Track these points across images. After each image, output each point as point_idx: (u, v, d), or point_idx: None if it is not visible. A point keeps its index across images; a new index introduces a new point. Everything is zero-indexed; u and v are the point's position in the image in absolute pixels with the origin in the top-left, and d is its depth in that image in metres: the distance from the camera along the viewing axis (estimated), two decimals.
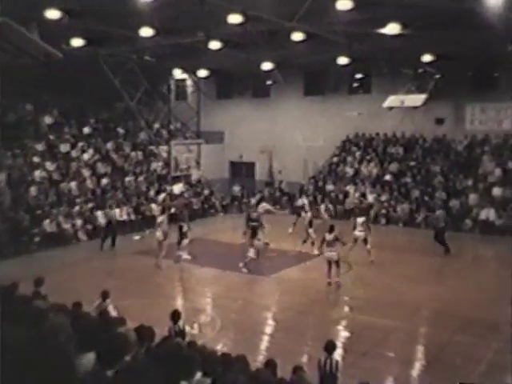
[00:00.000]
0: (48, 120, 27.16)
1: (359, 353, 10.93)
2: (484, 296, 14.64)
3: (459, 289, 15.16)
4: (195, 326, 10.42)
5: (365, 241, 18.03)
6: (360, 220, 18.36)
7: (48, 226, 20.84)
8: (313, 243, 18.95)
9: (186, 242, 18.06)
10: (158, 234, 17.95)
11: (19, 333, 1.20)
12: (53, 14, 17.23)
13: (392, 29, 19.13)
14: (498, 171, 24.49)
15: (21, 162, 23.49)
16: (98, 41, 21.89)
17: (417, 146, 27.91)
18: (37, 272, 11.77)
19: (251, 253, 17.18)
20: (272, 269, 17.44)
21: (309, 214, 20.42)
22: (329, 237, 15.52)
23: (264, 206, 21.48)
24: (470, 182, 24.70)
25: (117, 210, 23.47)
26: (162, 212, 19.15)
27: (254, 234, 17.85)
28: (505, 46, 20.70)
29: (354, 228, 18.26)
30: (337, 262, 15.44)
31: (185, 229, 18.21)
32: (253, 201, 24.41)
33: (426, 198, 24.87)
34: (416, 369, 10.55)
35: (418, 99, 25.42)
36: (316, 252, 18.26)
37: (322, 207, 24.14)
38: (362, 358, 10.69)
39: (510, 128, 25.64)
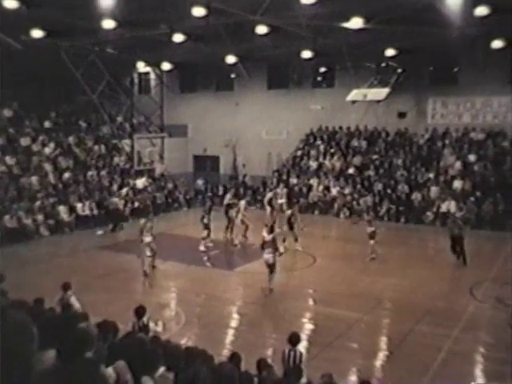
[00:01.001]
0: (7, 113, 26.59)
1: (323, 344, 11.03)
2: (444, 286, 14.95)
3: (420, 280, 15.43)
4: (159, 322, 10.33)
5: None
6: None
7: (8, 221, 20.44)
8: (296, 239, 18.96)
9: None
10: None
11: None
12: (10, 3, 16.81)
13: (355, 23, 19.31)
14: (458, 164, 24.97)
15: None
16: (58, 32, 21.47)
17: (379, 140, 28.23)
18: None
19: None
20: (236, 263, 17.48)
21: (289, 211, 20.22)
22: (267, 237, 14.47)
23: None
24: (431, 175, 25.13)
25: (79, 205, 23.20)
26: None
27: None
28: (463, 41, 21.12)
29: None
30: (272, 266, 14.34)
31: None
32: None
33: (389, 191, 25.21)
34: (379, 359, 10.70)
35: (380, 93, 25.72)
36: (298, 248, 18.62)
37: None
38: (325, 350, 10.80)
39: (470, 122, 26.17)
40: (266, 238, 14.47)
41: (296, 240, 18.86)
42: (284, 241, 18.58)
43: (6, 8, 16.98)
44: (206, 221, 18.75)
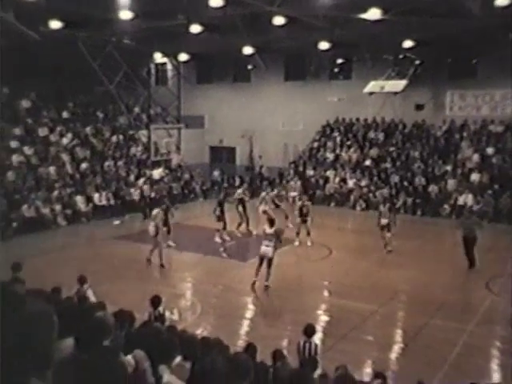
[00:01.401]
0: (25, 104, 26.79)
1: (338, 336, 11.04)
2: (460, 280, 14.88)
3: (436, 273, 15.35)
4: (175, 311, 10.38)
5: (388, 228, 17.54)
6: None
7: (26, 211, 20.64)
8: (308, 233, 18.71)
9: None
10: (151, 228, 16.32)
11: None
12: None
13: (373, 14, 19.16)
14: (476, 157, 24.75)
15: None
16: (76, 23, 21.54)
17: (397, 132, 28.06)
18: (14, 258, 11.66)
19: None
20: (252, 254, 17.47)
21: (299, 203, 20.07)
22: (268, 230, 13.94)
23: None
24: (448, 168, 24.94)
25: (96, 195, 23.38)
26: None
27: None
28: (483, 32, 20.86)
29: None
30: (270, 260, 13.75)
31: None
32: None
33: (406, 184, 25.08)
34: (394, 351, 10.70)
35: (398, 85, 25.56)
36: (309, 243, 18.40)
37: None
38: (340, 342, 10.81)
39: (489, 114, 25.90)
40: (266, 231, 13.94)
41: (308, 234, 18.51)
42: (298, 234, 18.46)
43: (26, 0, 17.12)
44: (217, 213, 18.78)
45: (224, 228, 18.91)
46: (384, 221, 17.45)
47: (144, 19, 20.47)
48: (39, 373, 1.24)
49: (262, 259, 13.87)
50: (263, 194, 21.07)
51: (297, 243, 18.38)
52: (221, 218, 18.85)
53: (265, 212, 19.46)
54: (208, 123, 33.50)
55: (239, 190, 21.24)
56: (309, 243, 18.34)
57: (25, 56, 23.55)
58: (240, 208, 20.17)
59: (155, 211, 16.87)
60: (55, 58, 24.96)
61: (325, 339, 10.51)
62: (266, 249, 13.72)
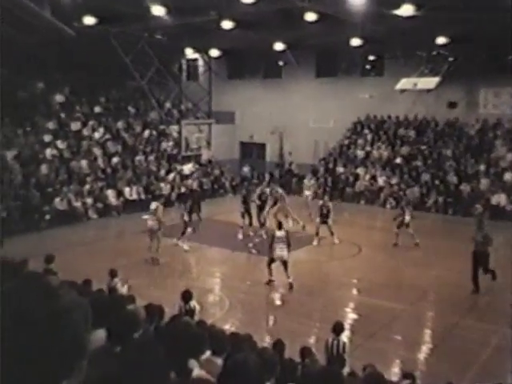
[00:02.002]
0: (59, 98, 27.18)
1: (366, 335, 10.98)
2: (491, 281, 14.61)
3: (466, 273, 15.08)
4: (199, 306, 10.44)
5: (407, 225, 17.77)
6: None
7: (59, 203, 20.96)
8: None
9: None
10: (151, 222, 16.15)
11: (31, 308, 1.20)
12: None
13: (406, 10, 18.91)
14: (510, 156, 24.31)
15: (32, 140, 23.60)
16: (109, 19, 21.78)
17: (428, 130, 27.73)
18: (47, 249, 11.86)
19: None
20: None
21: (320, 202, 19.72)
22: (279, 233, 13.83)
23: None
24: (481, 167, 24.54)
25: (127, 189, 23.63)
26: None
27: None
28: None
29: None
30: (285, 263, 13.70)
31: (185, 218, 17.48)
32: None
33: (437, 182, 24.77)
34: (423, 352, 10.60)
35: (430, 82, 25.21)
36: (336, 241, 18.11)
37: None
38: (369, 340, 10.74)
39: None
40: (277, 234, 13.79)
41: (332, 234, 17.98)
42: (317, 234, 17.96)
43: None
44: (242, 209, 18.85)
45: (250, 224, 18.90)
46: (408, 218, 17.69)
47: (176, 15, 20.55)
48: (75, 363, 1.26)
49: (271, 260, 13.90)
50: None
51: (315, 243, 17.96)
52: (244, 214, 18.88)
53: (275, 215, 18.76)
54: (238, 119, 33.55)
55: (260, 187, 20.89)
56: (336, 241, 17.98)
57: (59, 51, 23.89)
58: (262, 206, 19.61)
59: (154, 205, 16.49)
60: (88, 54, 25.25)
61: (353, 337, 10.46)
62: (282, 253, 13.64)
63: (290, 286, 13.78)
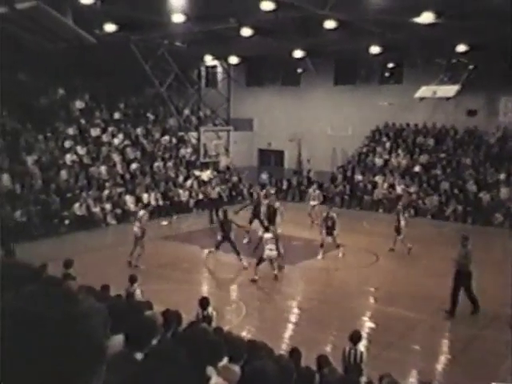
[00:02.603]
0: (79, 104, 27.44)
1: (383, 344, 10.88)
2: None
3: (486, 284, 14.89)
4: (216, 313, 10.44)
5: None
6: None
7: (78, 209, 21.12)
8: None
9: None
10: (136, 229, 16.14)
11: (50, 313, 1.20)
12: None
13: (426, 18, 18.83)
14: None
15: (52, 146, 23.83)
16: (129, 26, 21.98)
17: (448, 138, 27.54)
18: (66, 254, 11.95)
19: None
20: (297, 258, 17.43)
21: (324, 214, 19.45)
22: (267, 235, 15.08)
23: None
24: (501, 176, 24.28)
25: (145, 195, 23.74)
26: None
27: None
28: None
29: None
30: (272, 260, 14.89)
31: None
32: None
33: (456, 191, 24.56)
34: (440, 362, 10.48)
35: (450, 90, 25.05)
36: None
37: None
38: (386, 350, 10.64)
39: None
40: (265, 236, 15.15)
41: (337, 246, 17.38)
42: (322, 246, 17.35)
43: (83, 3, 17.57)
44: (250, 215, 19.02)
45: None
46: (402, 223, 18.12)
47: (196, 22, 20.69)
48: (94, 369, 1.26)
49: (260, 260, 14.95)
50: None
51: (319, 257, 17.30)
52: (252, 220, 19.29)
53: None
54: (257, 126, 33.59)
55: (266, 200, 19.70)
56: (340, 255, 17.40)
57: (80, 58, 24.14)
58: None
59: (141, 212, 16.76)
60: (109, 61, 25.50)
61: (370, 347, 10.37)
62: (271, 252, 14.83)
63: (275, 277, 14.85)
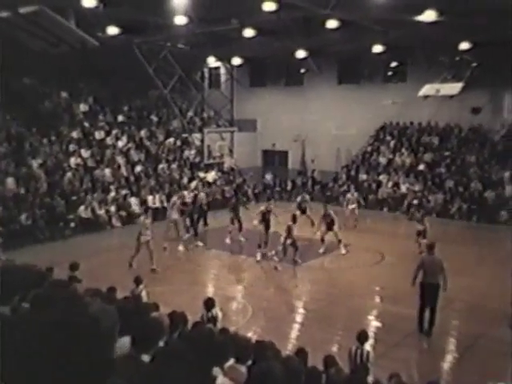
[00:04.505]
0: (83, 107, 27.51)
1: (390, 344, 10.86)
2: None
3: (493, 282, 14.92)
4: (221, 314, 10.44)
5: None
6: None
7: (83, 211, 21.16)
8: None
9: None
10: (148, 238, 16.04)
11: (56, 316, 1.21)
12: (88, 2, 17.43)
13: (429, 16, 18.83)
14: None
15: (57, 149, 23.90)
16: (132, 29, 22.04)
17: (452, 136, 27.49)
18: (71, 257, 11.98)
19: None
20: (303, 258, 17.42)
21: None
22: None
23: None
24: (506, 174, 24.20)
25: (150, 197, 23.76)
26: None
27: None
28: None
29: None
30: None
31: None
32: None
33: (461, 189, 24.51)
34: (448, 361, 10.45)
35: (454, 88, 24.99)
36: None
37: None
38: (393, 349, 10.63)
39: None
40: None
41: (339, 242, 17.78)
42: (322, 241, 17.80)
43: (85, 7, 17.62)
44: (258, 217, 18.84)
45: (240, 229, 19.55)
46: (419, 227, 17.81)
47: (198, 24, 20.72)
48: (104, 371, 1.28)
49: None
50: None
51: (321, 250, 17.75)
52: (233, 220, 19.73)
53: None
54: (261, 127, 33.61)
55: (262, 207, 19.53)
56: (343, 251, 17.74)
57: (83, 61, 24.21)
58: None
59: (147, 221, 16.51)
60: (112, 63, 25.56)
61: (376, 346, 10.36)
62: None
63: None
